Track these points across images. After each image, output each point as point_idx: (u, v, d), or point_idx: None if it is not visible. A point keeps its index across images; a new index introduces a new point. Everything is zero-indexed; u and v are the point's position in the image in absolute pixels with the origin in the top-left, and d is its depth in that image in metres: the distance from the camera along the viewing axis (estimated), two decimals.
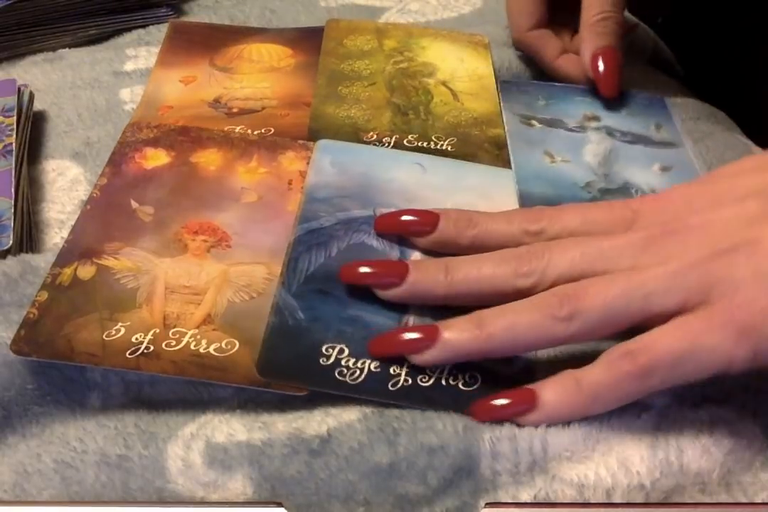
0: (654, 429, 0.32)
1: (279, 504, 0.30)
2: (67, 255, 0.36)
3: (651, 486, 0.30)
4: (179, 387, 0.33)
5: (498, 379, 0.33)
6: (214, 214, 0.39)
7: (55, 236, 0.40)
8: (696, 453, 0.31)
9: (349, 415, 0.32)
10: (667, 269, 0.31)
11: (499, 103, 0.48)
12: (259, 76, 0.50)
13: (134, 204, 0.39)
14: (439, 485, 0.30)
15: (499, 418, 0.31)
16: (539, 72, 0.52)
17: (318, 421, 0.32)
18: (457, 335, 0.32)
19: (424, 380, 0.33)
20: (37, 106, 0.47)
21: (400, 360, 0.33)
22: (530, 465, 0.31)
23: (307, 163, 0.42)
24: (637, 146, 0.46)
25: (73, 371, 0.33)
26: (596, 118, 0.48)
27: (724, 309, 0.30)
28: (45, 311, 0.34)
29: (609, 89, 0.48)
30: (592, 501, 0.30)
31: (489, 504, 0.30)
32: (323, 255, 0.37)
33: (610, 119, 0.48)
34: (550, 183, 0.43)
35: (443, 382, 0.33)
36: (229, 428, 0.32)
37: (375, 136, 0.45)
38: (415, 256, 0.37)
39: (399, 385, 0.33)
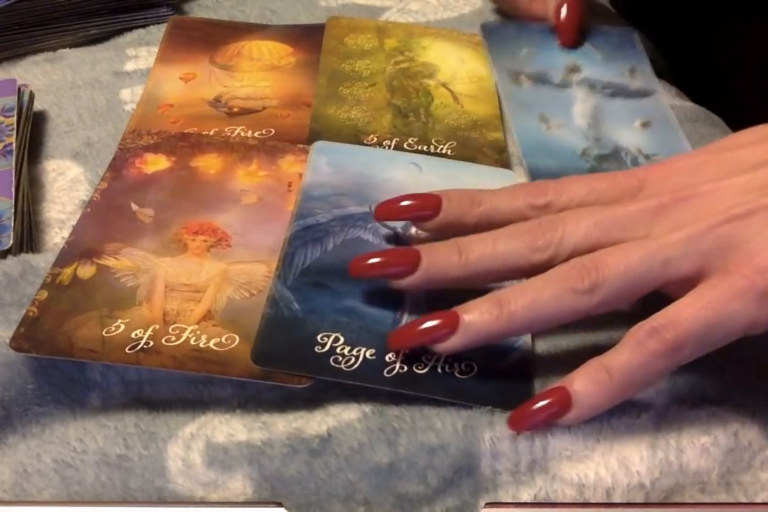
0: (654, 429, 0.32)
1: (279, 504, 0.30)
2: (67, 255, 0.36)
3: (651, 486, 0.30)
4: (179, 387, 0.33)
5: (494, 368, 0.33)
6: (214, 215, 0.39)
7: (56, 236, 0.40)
8: (695, 453, 0.31)
9: (348, 415, 0.32)
10: (682, 234, 0.31)
11: (492, 70, 0.50)
12: (259, 74, 0.50)
13: (134, 206, 0.39)
14: (439, 485, 0.30)
15: (539, 425, 0.31)
16: None
17: (318, 421, 0.32)
18: (478, 317, 0.31)
19: (419, 368, 0.33)
20: (38, 106, 0.47)
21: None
22: (530, 465, 0.31)
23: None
24: (618, 99, 0.48)
25: (74, 370, 0.33)
26: (577, 69, 0.50)
27: (743, 275, 0.30)
28: (45, 309, 0.34)
29: (567, 37, 0.51)
30: (592, 501, 0.30)
31: (489, 504, 0.30)
32: (319, 249, 0.37)
33: (589, 68, 0.50)
34: (552, 153, 0.45)
35: (439, 370, 0.33)
36: (229, 428, 0.32)
37: (375, 139, 0.45)
38: None
39: (394, 372, 0.33)
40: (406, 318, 0.35)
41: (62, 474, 0.31)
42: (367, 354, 0.33)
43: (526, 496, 0.30)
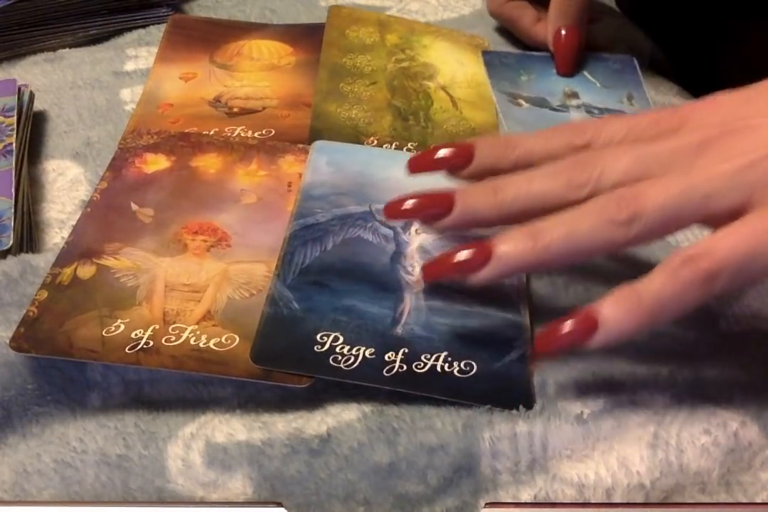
0: (654, 429, 0.32)
1: (279, 504, 0.30)
2: (67, 255, 0.36)
3: (651, 486, 0.30)
4: (179, 387, 0.33)
5: (494, 367, 0.33)
6: (214, 214, 0.39)
7: (56, 236, 0.40)
8: (696, 453, 0.31)
9: (348, 415, 0.32)
10: (727, 167, 0.30)
11: (488, 82, 0.51)
12: (259, 74, 0.50)
13: (134, 206, 0.39)
14: (439, 484, 0.30)
15: (562, 347, 0.30)
16: None
17: (318, 421, 0.32)
18: (512, 248, 0.31)
19: (419, 367, 0.33)
20: (38, 106, 0.47)
21: (395, 348, 0.33)
22: (530, 464, 0.31)
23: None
24: None
25: (73, 370, 0.33)
26: (575, 95, 0.50)
27: None
28: (44, 309, 0.34)
29: (565, 66, 0.51)
30: (592, 501, 0.30)
31: (489, 504, 0.30)
32: (318, 249, 0.37)
33: (586, 95, 0.50)
34: None
35: (438, 369, 0.33)
36: (229, 428, 0.32)
37: (375, 142, 0.45)
38: (412, 249, 0.37)
39: (394, 372, 0.33)
40: (405, 317, 0.35)
41: (62, 474, 0.31)
42: (367, 354, 0.33)
43: (526, 496, 0.30)
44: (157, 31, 0.54)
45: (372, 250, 0.37)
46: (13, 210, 0.39)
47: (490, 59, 0.52)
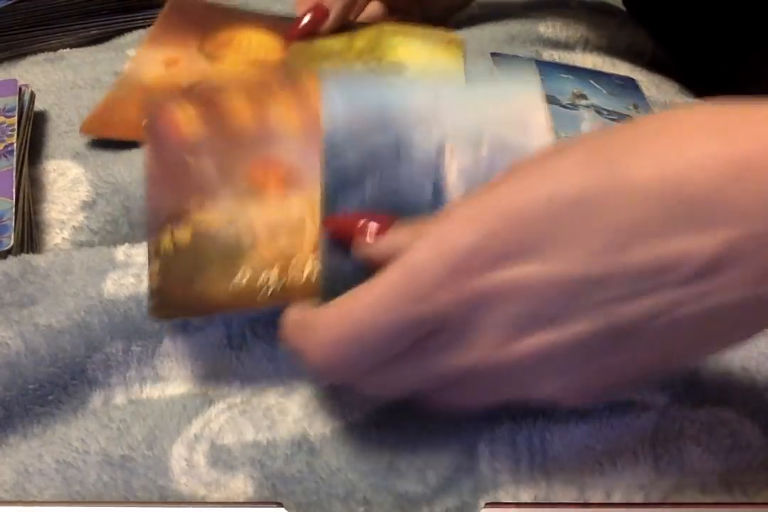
0: (654, 429, 0.32)
1: (279, 504, 0.30)
2: (155, 223, 0.35)
3: (651, 486, 0.30)
4: (182, 386, 0.33)
5: None
6: (269, 150, 0.36)
7: (56, 236, 0.40)
8: (696, 453, 0.31)
9: (349, 415, 0.32)
10: None
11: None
12: (241, 68, 0.49)
13: (191, 160, 0.36)
14: (438, 484, 0.30)
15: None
16: None
17: (320, 421, 0.32)
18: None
19: None
20: (38, 106, 0.47)
21: None
22: (530, 464, 0.31)
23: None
24: None
25: (74, 370, 0.33)
26: (583, 96, 0.51)
27: None
28: (165, 277, 0.33)
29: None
30: (592, 501, 0.30)
31: (489, 504, 0.30)
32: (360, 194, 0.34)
33: (595, 98, 0.51)
34: None
35: None
36: (233, 428, 0.32)
37: None
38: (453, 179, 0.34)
39: None
40: None
41: (64, 474, 0.31)
42: None
43: (526, 496, 0.30)
44: None
45: (412, 187, 0.34)
46: (13, 210, 0.39)
47: (499, 60, 0.53)
